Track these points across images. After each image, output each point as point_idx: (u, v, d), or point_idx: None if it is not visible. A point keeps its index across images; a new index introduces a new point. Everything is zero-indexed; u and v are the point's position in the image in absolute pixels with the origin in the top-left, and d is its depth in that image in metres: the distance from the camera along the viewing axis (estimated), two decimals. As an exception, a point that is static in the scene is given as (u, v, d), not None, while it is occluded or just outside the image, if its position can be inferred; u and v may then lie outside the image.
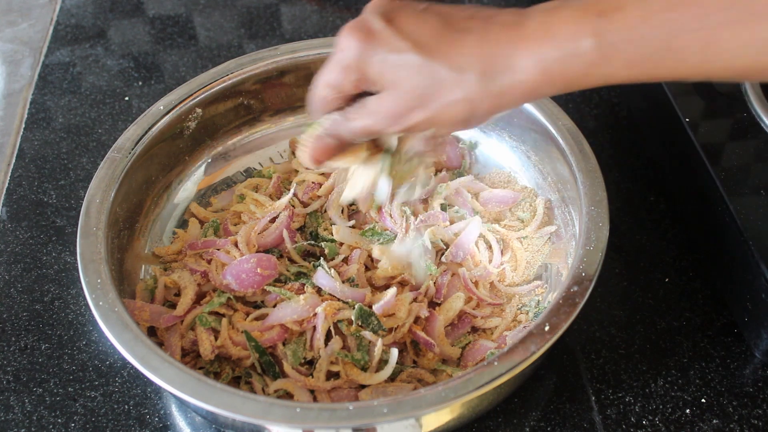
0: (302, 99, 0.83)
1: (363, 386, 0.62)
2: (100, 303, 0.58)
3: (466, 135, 0.82)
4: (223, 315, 0.66)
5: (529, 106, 0.73)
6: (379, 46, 0.50)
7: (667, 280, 0.74)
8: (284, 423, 0.52)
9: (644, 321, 0.71)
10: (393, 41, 0.49)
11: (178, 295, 0.68)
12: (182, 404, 0.67)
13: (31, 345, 0.71)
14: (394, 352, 0.62)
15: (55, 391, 0.68)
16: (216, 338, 0.64)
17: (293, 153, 0.82)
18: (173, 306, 0.67)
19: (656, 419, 0.64)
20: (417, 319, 0.66)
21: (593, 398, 0.66)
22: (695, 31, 0.46)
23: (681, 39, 0.46)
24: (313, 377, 0.62)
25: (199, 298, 0.68)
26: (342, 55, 0.51)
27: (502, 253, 0.72)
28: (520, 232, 0.73)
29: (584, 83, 0.49)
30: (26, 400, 0.67)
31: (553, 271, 0.71)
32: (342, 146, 0.56)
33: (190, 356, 0.65)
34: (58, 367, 0.70)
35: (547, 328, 0.56)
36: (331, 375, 0.63)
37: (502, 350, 0.55)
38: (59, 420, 0.66)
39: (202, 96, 0.76)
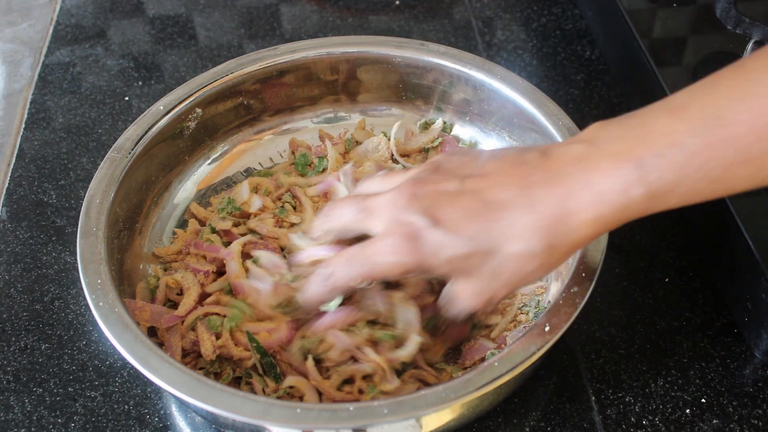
0: (302, 99, 0.83)
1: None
2: (101, 304, 0.58)
3: (466, 135, 0.82)
4: (224, 316, 0.65)
5: (529, 106, 0.73)
6: (431, 250, 0.52)
7: (667, 280, 0.74)
8: (284, 423, 0.52)
9: (644, 321, 0.71)
10: (443, 242, 0.51)
11: (180, 294, 0.68)
12: (182, 404, 0.67)
13: (31, 345, 0.71)
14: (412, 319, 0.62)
15: (55, 391, 0.68)
16: (217, 338, 0.64)
17: (293, 153, 0.82)
18: (174, 306, 0.67)
19: (656, 419, 0.64)
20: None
21: (593, 398, 0.66)
22: (742, 163, 0.46)
23: (730, 172, 0.46)
24: (327, 379, 0.62)
25: (201, 298, 0.67)
26: (395, 258, 0.53)
27: None
28: None
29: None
30: (26, 400, 0.67)
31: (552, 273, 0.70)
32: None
33: (191, 356, 0.65)
34: (58, 367, 0.70)
35: (547, 329, 0.56)
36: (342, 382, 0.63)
37: (503, 350, 0.55)
38: (59, 420, 0.66)
39: (202, 96, 0.76)
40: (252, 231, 0.73)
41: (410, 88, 0.82)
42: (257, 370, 0.63)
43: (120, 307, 0.58)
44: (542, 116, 0.72)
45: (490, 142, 0.80)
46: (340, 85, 0.83)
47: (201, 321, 0.65)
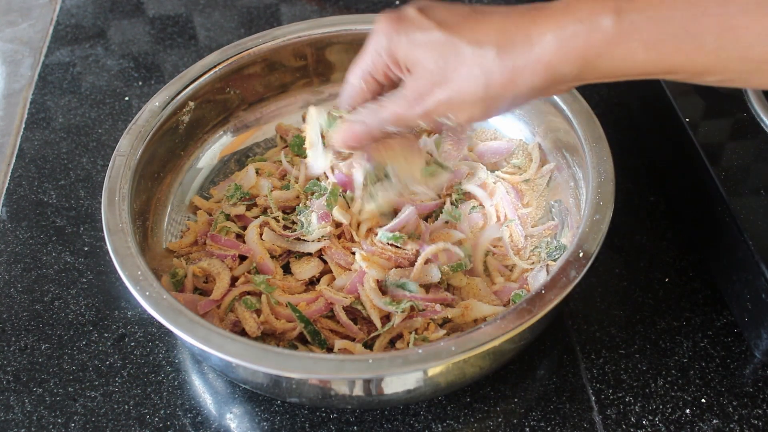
0: (284, 85, 0.85)
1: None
2: (147, 293, 0.58)
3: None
4: (260, 294, 0.67)
5: None
6: (407, 28, 0.52)
7: (667, 280, 0.74)
8: (361, 374, 0.55)
9: (644, 321, 0.71)
10: (420, 23, 0.51)
11: (206, 282, 0.69)
12: (183, 405, 0.67)
13: (31, 345, 0.71)
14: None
15: (55, 391, 0.68)
16: (258, 315, 0.65)
17: (281, 138, 0.84)
18: (203, 294, 0.68)
19: (656, 419, 0.64)
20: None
21: (593, 398, 0.66)
22: (714, 15, 0.46)
23: (700, 22, 0.47)
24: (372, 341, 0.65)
25: (231, 281, 0.69)
26: (374, 39, 0.54)
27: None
28: (523, 176, 0.76)
29: (601, 67, 0.49)
30: (26, 400, 0.67)
31: (560, 209, 0.74)
32: (371, 136, 0.57)
33: None
34: (58, 367, 0.70)
35: (581, 254, 0.59)
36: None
37: (547, 278, 0.59)
38: (59, 420, 0.66)
39: (194, 89, 0.77)
40: (264, 212, 0.75)
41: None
42: (301, 340, 0.65)
43: (167, 294, 0.58)
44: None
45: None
46: (311, 67, 0.85)
47: (238, 302, 0.66)
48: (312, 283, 0.70)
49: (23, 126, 0.93)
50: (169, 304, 0.58)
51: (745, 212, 0.67)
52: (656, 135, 0.84)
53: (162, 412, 0.66)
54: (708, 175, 0.70)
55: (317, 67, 0.84)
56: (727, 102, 0.77)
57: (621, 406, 0.65)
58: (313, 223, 0.69)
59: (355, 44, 0.81)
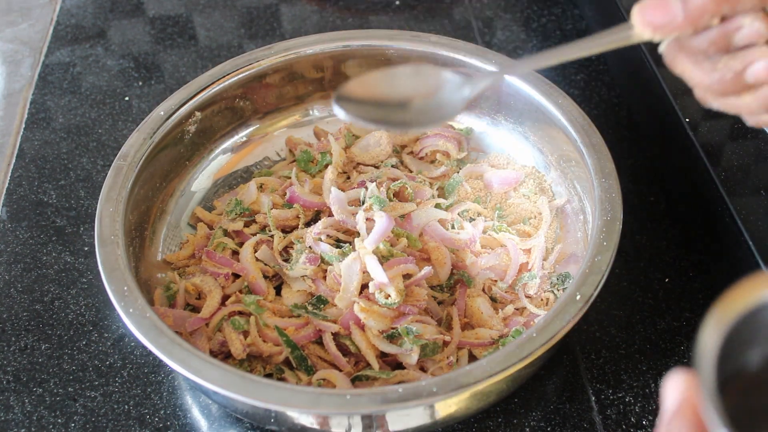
0: (295, 97, 0.84)
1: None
2: (131, 310, 0.58)
3: (461, 122, 0.83)
4: (250, 314, 0.66)
5: (526, 87, 0.75)
6: None
7: (667, 280, 0.74)
8: (337, 410, 0.53)
9: (644, 321, 0.71)
10: None
11: (198, 298, 0.69)
12: (183, 405, 0.67)
13: (31, 345, 0.71)
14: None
15: (55, 391, 0.68)
16: (245, 337, 0.64)
17: (291, 151, 0.82)
18: (194, 310, 0.68)
19: (656, 419, 0.64)
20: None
21: (593, 398, 0.66)
22: None
23: None
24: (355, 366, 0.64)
25: (222, 300, 0.68)
26: None
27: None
28: (530, 241, 0.72)
29: None
30: (26, 400, 0.67)
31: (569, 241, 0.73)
32: (690, 20, 0.43)
33: (219, 358, 0.65)
34: (58, 367, 0.70)
35: (578, 298, 0.58)
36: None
37: (544, 316, 0.58)
38: (59, 420, 0.66)
39: (201, 99, 0.76)
40: (262, 229, 0.73)
41: None
42: (288, 364, 0.64)
43: (151, 312, 0.58)
44: (541, 96, 0.73)
45: (481, 125, 0.82)
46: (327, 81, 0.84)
47: (226, 322, 0.65)
48: (303, 307, 0.68)
49: (23, 126, 0.93)
50: (151, 323, 0.57)
51: (745, 212, 0.67)
52: (656, 135, 0.84)
53: (162, 412, 0.66)
54: (708, 175, 0.70)
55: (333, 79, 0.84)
56: (727, 102, 0.77)
57: (621, 406, 0.65)
58: (300, 261, 0.68)
59: (369, 58, 0.81)
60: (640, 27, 0.45)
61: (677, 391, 0.32)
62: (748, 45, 0.44)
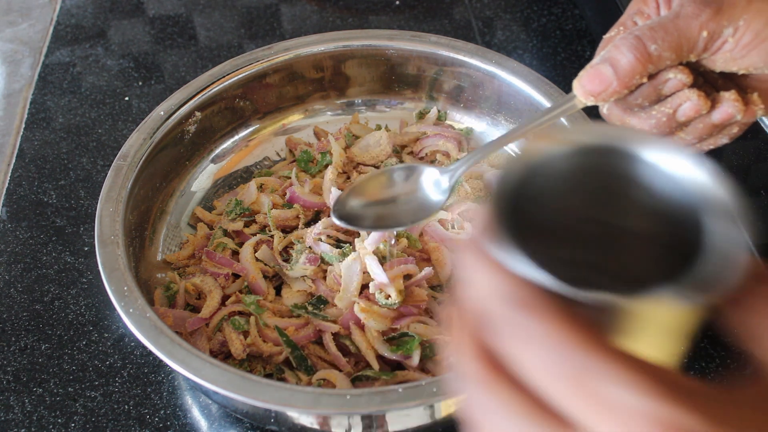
0: (295, 97, 0.84)
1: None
2: (131, 310, 0.58)
3: (460, 122, 0.83)
4: (250, 314, 0.66)
5: (526, 87, 0.75)
6: None
7: (667, 280, 0.74)
8: (338, 410, 0.53)
9: (644, 321, 0.71)
10: None
11: (198, 298, 0.69)
12: (183, 405, 0.67)
13: (31, 345, 0.71)
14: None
15: (55, 391, 0.68)
16: (245, 337, 0.64)
17: (291, 151, 0.82)
18: (194, 310, 0.68)
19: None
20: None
21: (593, 398, 0.66)
22: None
23: None
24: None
25: (222, 300, 0.68)
26: None
27: None
28: None
29: None
30: (26, 400, 0.67)
31: None
32: (622, 84, 0.50)
33: (219, 358, 0.65)
34: (58, 367, 0.70)
35: None
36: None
37: None
38: (59, 420, 0.66)
39: (201, 99, 0.76)
40: (262, 229, 0.73)
41: (401, 79, 0.84)
42: (288, 364, 0.64)
43: (151, 312, 0.58)
44: (542, 97, 0.73)
45: (481, 125, 0.82)
46: (327, 80, 0.84)
47: (226, 322, 0.66)
48: (303, 308, 0.68)
49: (23, 126, 0.93)
50: (151, 323, 0.57)
51: (745, 212, 0.67)
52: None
53: (162, 412, 0.66)
54: (708, 175, 0.70)
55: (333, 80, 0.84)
56: (727, 102, 0.77)
57: (621, 406, 0.65)
58: (300, 261, 0.68)
59: (369, 58, 0.81)
60: (583, 96, 0.52)
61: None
62: (675, 92, 0.51)
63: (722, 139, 0.55)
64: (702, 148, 0.55)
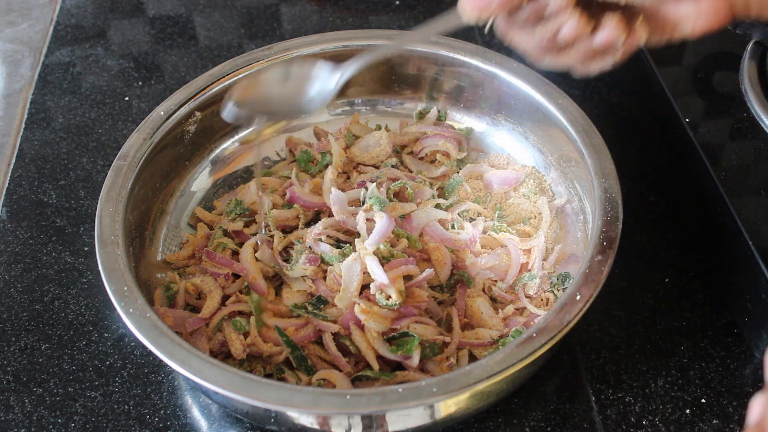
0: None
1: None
2: (131, 310, 0.58)
3: (462, 121, 0.84)
4: (250, 314, 0.66)
5: (526, 87, 0.75)
6: None
7: (667, 280, 0.74)
8: (338, 410, 0.53)
9: (644, 321, 0.71)
10: None
11: (198, 298, 0.69)
12: (183, 405, 0.67)
13: (31, 345, 0.71)
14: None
15: (55, 391, 0.68)
16: (245, 337, 0.65)
17: (291, 151, 0.82)
18: (194, 310, 0.68)
19: (656, 419, 0.64)
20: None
21: (593, 398, 0.66)
22: None
23: None
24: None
25: (222, 300, 0.68)
26: None
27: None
28: (530, 241, 0.72)
29: None
30: (26, 400, 0.67)
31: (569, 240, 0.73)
32: (501, 3, 0.52)
33: (219, 358, 0.65)
34: (58, 367, 0.70)
35: (578, 298, 0.58)
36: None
37: (544, 316, 0.58)
38: (59, 420, 0.66)
39: (201, 99, 0.76)
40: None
41: (401, 79, 0.84)
42: (288, 364, 0.64)
43: (151, 312, 0.58)
44: (541, 97, 0.73)
45: (481, 125, 0.82)
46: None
47: (227, 322, 0.66)
48: (303, 308, 0.68)
49: (23, 126, 0.93)
50: (151, 323, 0.57)
51: (745, 212, 0.67)
52: (656, 135, 0.84)
53: (162, 412, 0.66)
54: (708, 175, 0.70)
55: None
56: (727, 102, 0.77)
57: (621, 406, 0.65)
58: (300, 261, 0.68)
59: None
60: (468, 12, 0.53)
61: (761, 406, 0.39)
62: (557, 13, 0.52)
63: (608, 62, 0.56)
64: (588, 70, 0.56)
